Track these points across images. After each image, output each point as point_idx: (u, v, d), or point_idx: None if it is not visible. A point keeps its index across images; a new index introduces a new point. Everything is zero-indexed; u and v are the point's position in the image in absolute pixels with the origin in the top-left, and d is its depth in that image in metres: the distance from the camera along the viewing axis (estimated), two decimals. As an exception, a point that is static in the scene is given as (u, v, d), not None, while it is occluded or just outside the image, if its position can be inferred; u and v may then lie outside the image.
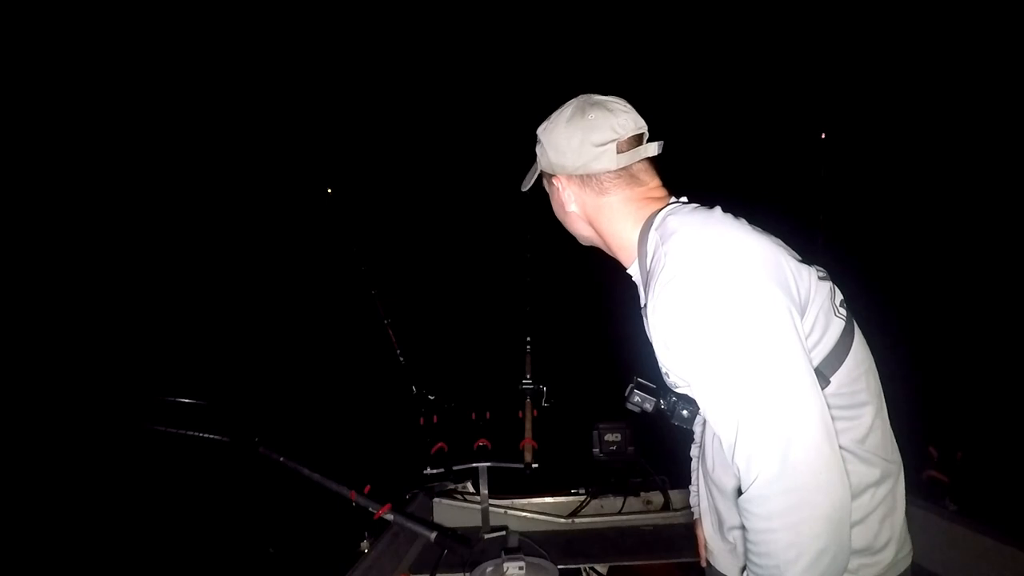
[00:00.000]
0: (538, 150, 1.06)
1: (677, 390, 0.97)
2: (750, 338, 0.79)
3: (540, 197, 1.14)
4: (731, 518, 1.03)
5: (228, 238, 7.05)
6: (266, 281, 6.78)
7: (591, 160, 0.98)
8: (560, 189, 1.04)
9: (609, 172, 0.99)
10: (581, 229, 1.08)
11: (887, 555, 0.92)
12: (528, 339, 2.53)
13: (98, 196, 6.53)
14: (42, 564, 3.32)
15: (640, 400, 1.05)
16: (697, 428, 1.24)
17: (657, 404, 1.04)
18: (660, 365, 0.96)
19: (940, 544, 1.63)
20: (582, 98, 1.02)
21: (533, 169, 1.11)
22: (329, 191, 2.94)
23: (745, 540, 0.81)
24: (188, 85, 6.99)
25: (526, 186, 1.13)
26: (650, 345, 1.13)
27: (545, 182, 1.09)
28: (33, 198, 6.12)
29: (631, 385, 1.07)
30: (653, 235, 0.94)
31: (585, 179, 1.01)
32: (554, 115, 1.03)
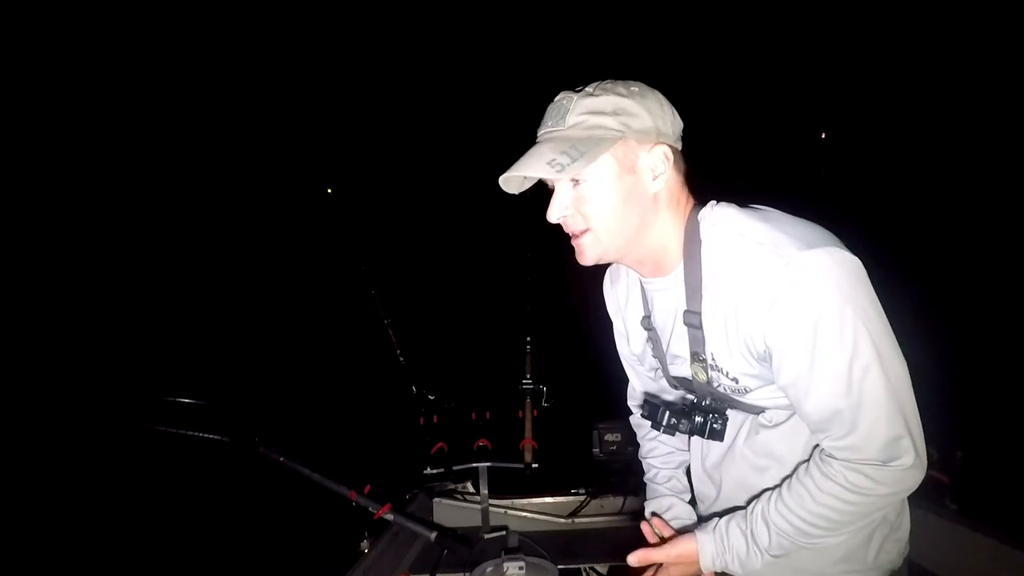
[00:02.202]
0: (606, 119, 0.84)
1: (744, 397, 0.93)
2: (881, 321, 0.82)
3: (539, 197, 0.98)
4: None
5: (228, 238, 7.05)
6: (266, 281, 6.78)
7: (678, 130, 0.91)
8: (660, 160, 0.88)
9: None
10: (643, 220, 0.90)
11: (904, 531, 1.00)
12: (528, 339, 2.53)
13: (98, 196, 6.53)
14: (42, 564, 3.32)
15: (675, 423, 0.99)
16: (669, 443, 1.21)
17: (690, 424, 0.99)
18: (720, 374, 0.92)
19: (940, 544, 1.63)
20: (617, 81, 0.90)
21: (593, 138, 0.84)
22: (329, 191, 2.94)
23: (847, 499, 0.84)
24: (189, 86, 6.99)
25: (570, 172, 0.83)
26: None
27: (609, 160, 0.86)
28: (33, 198, 6.12)
29: (662, 408, 1.00)
30: (711, 231, 0.89)
31: (676, 151, 0.91)
32: (627, 86, 0.88)
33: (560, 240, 1.00)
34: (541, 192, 0.95)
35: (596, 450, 2.31)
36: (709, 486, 1.07)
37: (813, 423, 0.87)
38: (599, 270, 1.11)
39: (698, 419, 0.97)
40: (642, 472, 1.31)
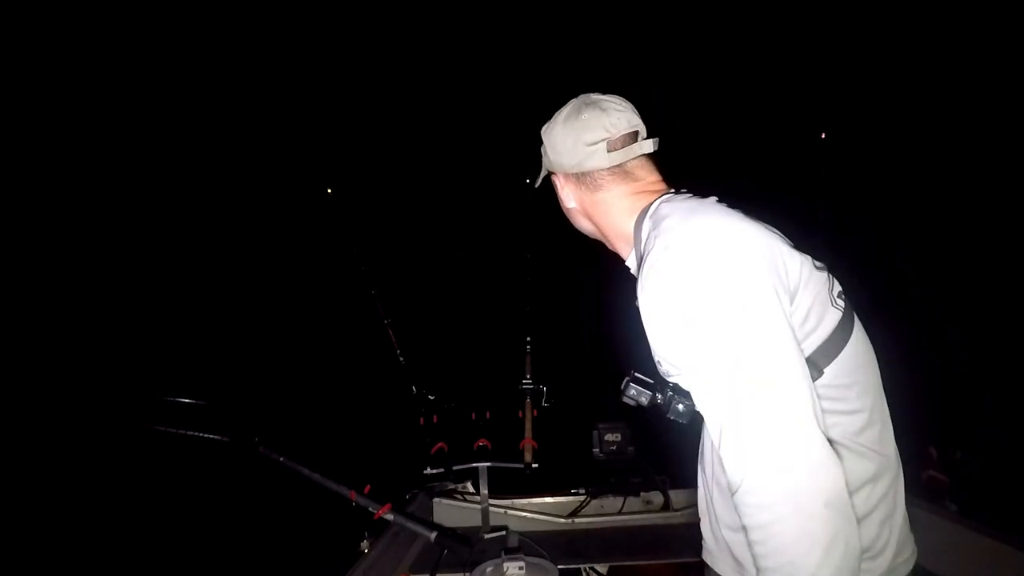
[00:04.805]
0: (542, 150, 1.12)
1: (670, 379, 0.95)
2: (735, 319, 0.77)
3: (542, 196, 1.19)
4: (725, 515, 0.99)
5: (228, 238, 7.05)
6: (266, 281, 6.78)
7: (584, 159, 1.03)
8: (559, 187, 1.11)
9: (602, 170, 1.03)
10: (582, 223, 1.12)
11: (885, 560, 0.89)
12: (528, 339, 2.53)
13: (98, 196, 6.53)
14: (42, 564, 3.32)
15: (636, 394, 1.02)
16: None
17: (653, 398, 1.01)
18: (653, 354, 0.95)
19: (940, 544, 1.63)
20: (581, 98, 1.07)
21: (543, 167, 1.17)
22: (329, 191, 2.94)
23: (750, 544, 0.77)
24: (188, 86, 6.99)
25: (536, 184, 1.19)
26: (646, 340, 1.12)
27: (552, 179, 1.15)
28: (33, 198, 6.12)
29: (627, 378, 1.05)
30: (647, 223, 0.97)
31: (580, 177, 1.06)
32: (556, 115, 1.09)
33: (559, 241, 1.05)
34: (542, 193, 1.19)
35: (596, 450, 2.31)
36: (701, 478, 1.09)
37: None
38: (595, 271, 1.16)
39: (669, 393, 0.98)
40: (642, 472, 1.35)
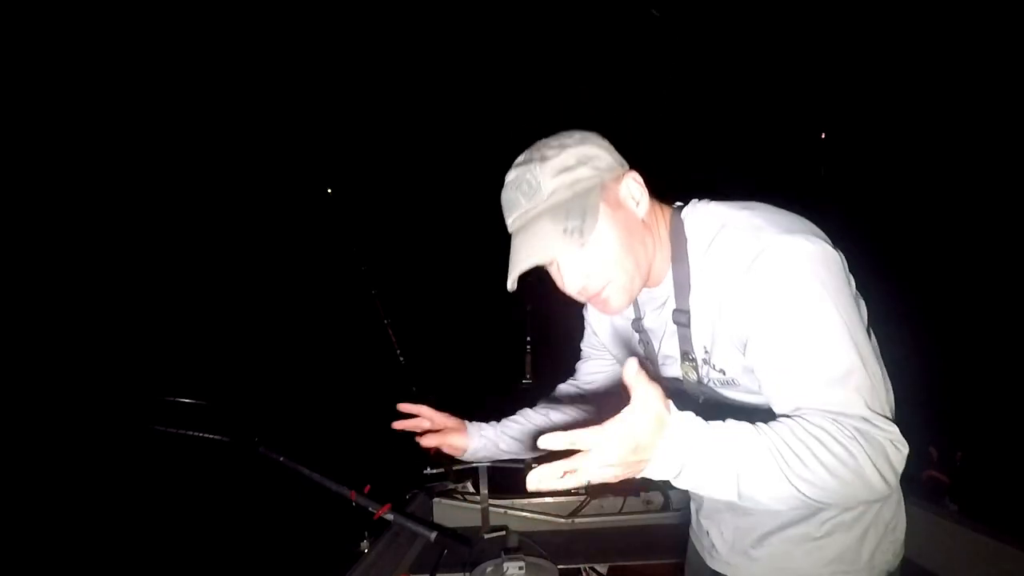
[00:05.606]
0: (581, 171, 0.86)
1: (730, 390, 0.93)
2: (855, 310, 0.83)
3: None
4: (768, 521, 1.00)
5: (229, 238, 7.06)
6: (266, 281, 6.78)
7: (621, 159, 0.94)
8: (636, 185, 0.90)
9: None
10: (646, 246, 0.91)
11: (900, 532, 1.00)
12: (528, 339, 2.53)
13: (100, 197, 6.53)
14: (42, 564, 3.32)
15: None
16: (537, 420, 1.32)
17: None
18: (705, 367, 0.92)
19: (940, 544, 1.63)
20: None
21: (580, 193, 0.85)
22: (329, 191, 2.94)
23: (804, 443, 0.72)
24: (188, 86, 6.99)
25: (587, 232, 0.83)
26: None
27: (601, 207, 0.86)
28: (35, 199, 6.12)
29: None
30: (695, 227, 0.91)
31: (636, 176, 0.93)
32: (551, 143, 0.89)
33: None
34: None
35: (596, 450, 2.30)
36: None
37: (786, 397, 0.81)
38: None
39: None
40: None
